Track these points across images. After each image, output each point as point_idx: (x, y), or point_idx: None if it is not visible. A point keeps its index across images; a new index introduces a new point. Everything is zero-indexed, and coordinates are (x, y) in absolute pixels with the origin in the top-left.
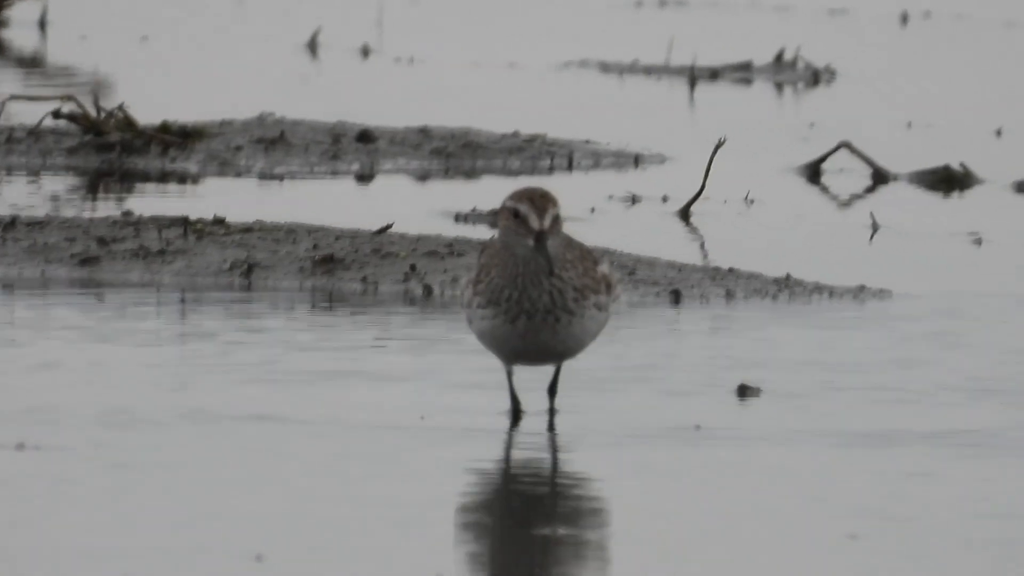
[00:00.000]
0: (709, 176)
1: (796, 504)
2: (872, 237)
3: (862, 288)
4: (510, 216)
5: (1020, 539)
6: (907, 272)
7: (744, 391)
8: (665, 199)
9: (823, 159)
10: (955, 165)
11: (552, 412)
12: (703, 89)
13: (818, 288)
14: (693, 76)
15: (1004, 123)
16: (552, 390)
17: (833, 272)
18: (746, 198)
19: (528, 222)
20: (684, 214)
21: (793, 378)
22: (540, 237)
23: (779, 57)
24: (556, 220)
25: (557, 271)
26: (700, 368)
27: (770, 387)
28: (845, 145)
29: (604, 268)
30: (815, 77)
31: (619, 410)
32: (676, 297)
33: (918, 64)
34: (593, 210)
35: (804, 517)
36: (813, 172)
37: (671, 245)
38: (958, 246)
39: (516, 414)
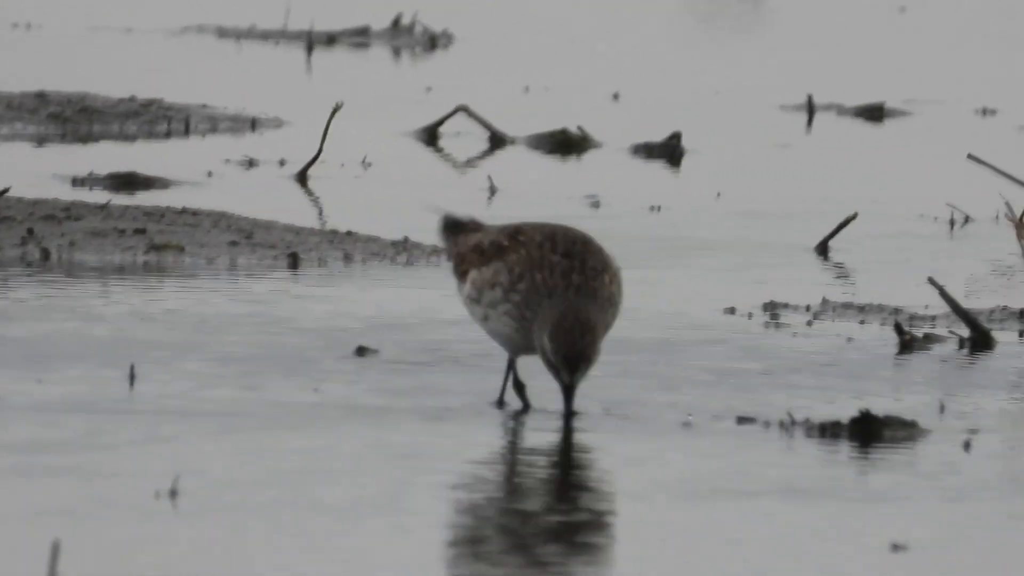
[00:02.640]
0: (326, 140)
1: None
2: (490, 199)
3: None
4: (545, 347)
5: None
6: None
7: (362, 351)
8: (283, 163)
9: (440, 123)
10: (573, 129)
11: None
12: (320, 54)
13: (436, 251)
14: (311, 41)
15: (621, 87)
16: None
17: None
18: (363, 161)
19: (560, 375)
20: (302, 178)
21: (403, 339)
22: (567, 390)
23: (396, 22)
24: (591, 350)
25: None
26: (320, 331)
27: (385, 350)
28: (462, 109)
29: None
30: (432, 42)
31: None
32: (294, 260)
33: (534, 28)
34: (210, 174)
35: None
36: (430, 136)
37: (289, 209)
38: (576, 208)
39: (524, 399)
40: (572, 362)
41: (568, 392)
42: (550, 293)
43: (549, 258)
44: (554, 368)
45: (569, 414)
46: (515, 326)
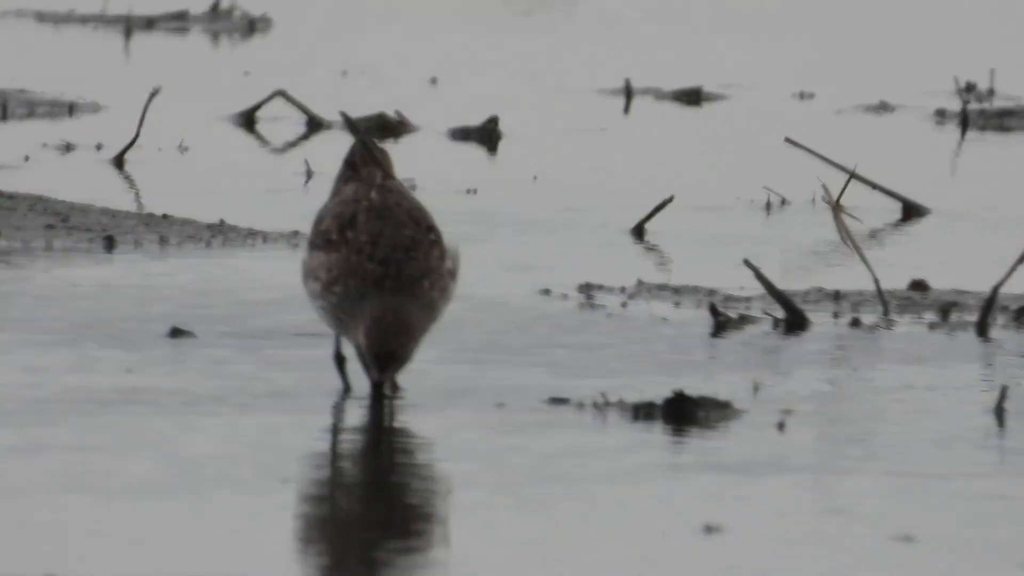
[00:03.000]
0: (144, 124)
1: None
2: (307, 183)
3: (296, 233)
4: (362, 339)
5: None
6: None
7: (177, 333)
8: (99, 147)
9: (258, 107)
10: (390, 113)
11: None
12: (139, 38)
13: (252, 233)
14: (129, 25)
15: (438, 72)
16: None
17: (268, 218)
18: (180, 146)
19: (369, 371)
20: (118, 162)
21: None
22: (377, 387)
23: (215, 6)
24: (404, 351)
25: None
26: (135, 316)
27: (203, 333)
28: (280, 93)
29: (448, 264)
30: (251, 26)
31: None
32: (110, 243)
33: (353, 14)
34: (27, 158)
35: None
36: (248, 120)
37: (105, 192)
38: None
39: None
40: (382, 361)
41: (376, 388)
42: (362, 297)
43: (364, 266)
44: (366, 364)
45: (376, 407)
46: (329, 320)
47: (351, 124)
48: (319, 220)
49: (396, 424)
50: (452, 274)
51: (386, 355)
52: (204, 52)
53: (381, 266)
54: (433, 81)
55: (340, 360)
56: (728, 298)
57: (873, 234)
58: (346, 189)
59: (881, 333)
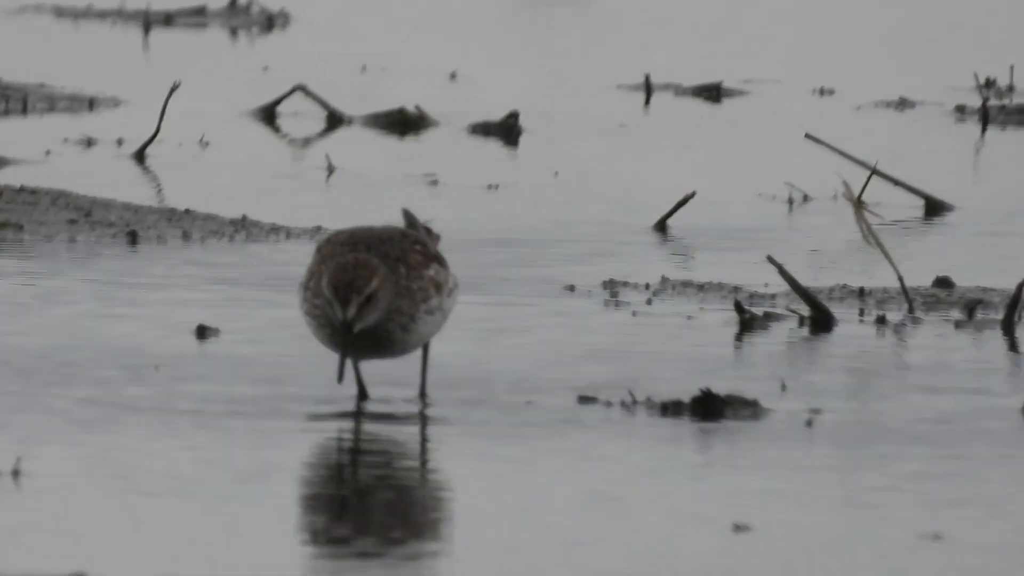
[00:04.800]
0: (164, 119)
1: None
2: (328, 178)
3: (319, 228)
4: (324, 284)
5: None
6: (364, 212)
7: (203, 332)
8: (120, 142)
9: (278, 102)
10: (410, 108)
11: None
12: (158, 34)
13: (275, 229)
14: (148, 21)
15: (458, 67)
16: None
17: (290, 213)
18: (201, 141)
19: (335, 311)
20: (139, 156)
21: (246, 314)
22: (346, 327)
23: (233, 2)
24: (369, 299)
25: (352, 359)
26: (159, 312)
27: (227, 329)
28: (300, 88)
29: (431, 272)
30: (270, 22)
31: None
32: (133, 238)
33: (371, 8)
34: (48, 153)
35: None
36: (268, 115)
37: (127, 187)
38: (414, 187)
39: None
40: (342, 293)
41: (345, 330)
42: (332, 258)
43: (336, 251)
44: (331, 308)
45: (344, 356)
46: (315, 324)
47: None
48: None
49: (419, 426)
50: (437, 285)
51: (346, 285)
52: (223, 47)
53: (351, 247)
54: (453, 76)
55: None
56: (753, 295)
57: (896, 230)
58: None
59: (907, 330)
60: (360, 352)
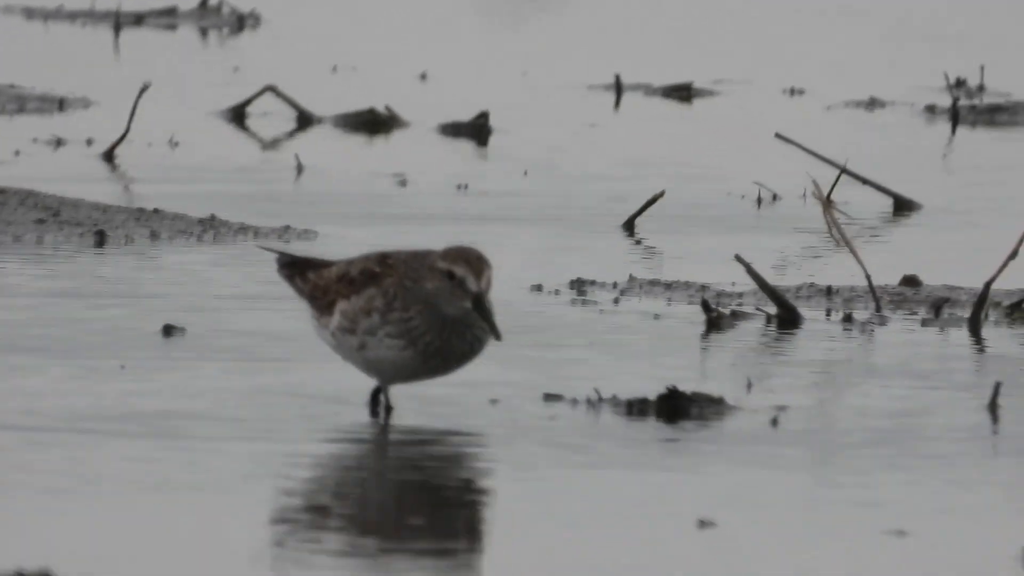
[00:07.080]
0: (134, 119)
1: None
2: (297, 178)
3: (287, 228)
4: (443, 277)
5: None
6: (332, 213)
7: (169, 331)
8: (90, 142)
9: (248, 102)
10: (380, 108)
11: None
12: (128, 34)
13: (243, 228)
14: (118, 21)
15: (428, 67)
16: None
17: (259, 213)
18: (171, 141)
19: (466, 284)
20: (109, 156)
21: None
22: (479, 300)
23: (204, 3)
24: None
25: (502, 336)
26: (127, 312)
27: (193, 328)
28: (270, 88)
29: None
30: (240, 22)
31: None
32: (101, 238)
33: (341, 9)
34: (18, 153)
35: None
36: (238, 115)
37: (96, 187)
38: (383, 186)
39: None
40: (475, 264)
41: (480, 303)
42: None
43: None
44: (456, 287)
45: (494, 331)
46: (403, 343)
47: None
48: (324, 290)
49: (390, 422)
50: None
51: (476, 258)
52: (193, 48)
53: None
54: (423, 77)
55: (388, 410)
56: (720, 294)
57: (864, 229)
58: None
59: (874, 329)
60: (443, 363)
